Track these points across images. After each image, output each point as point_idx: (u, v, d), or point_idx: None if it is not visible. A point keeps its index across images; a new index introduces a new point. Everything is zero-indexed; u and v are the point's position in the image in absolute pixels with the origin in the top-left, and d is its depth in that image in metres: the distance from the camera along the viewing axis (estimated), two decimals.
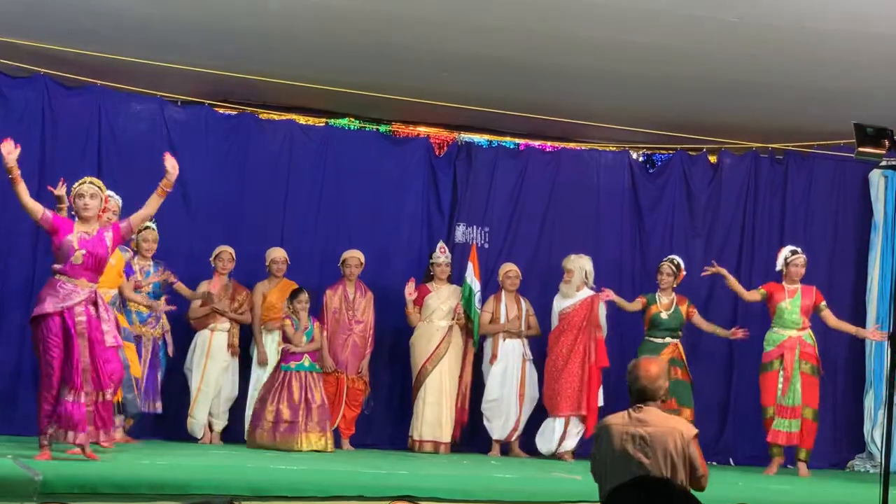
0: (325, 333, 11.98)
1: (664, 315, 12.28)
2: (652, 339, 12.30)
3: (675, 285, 12.43)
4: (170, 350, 11.41)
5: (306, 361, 11.63)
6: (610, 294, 12.39)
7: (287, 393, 11.37)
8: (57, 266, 8.62)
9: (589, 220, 13.66)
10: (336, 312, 12.20)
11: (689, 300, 12.50)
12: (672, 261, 12.49)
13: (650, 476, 3.42)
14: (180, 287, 11.68)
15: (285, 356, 11.64)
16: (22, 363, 11.09)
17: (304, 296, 11.77)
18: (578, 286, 12.57)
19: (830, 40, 10.89)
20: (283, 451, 10.94)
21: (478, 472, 9.72)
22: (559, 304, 12.71)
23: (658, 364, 6.27)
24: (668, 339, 12.25)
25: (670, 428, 6.05)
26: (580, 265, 12.60)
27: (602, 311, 12.64)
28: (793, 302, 11.89)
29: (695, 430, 6.15)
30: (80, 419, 8.47)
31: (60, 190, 9.21)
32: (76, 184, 8.99)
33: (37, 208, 8.75)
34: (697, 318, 12.51)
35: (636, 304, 12.47)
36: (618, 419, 6.12)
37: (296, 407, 11.33)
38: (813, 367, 11.82)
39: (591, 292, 12.62)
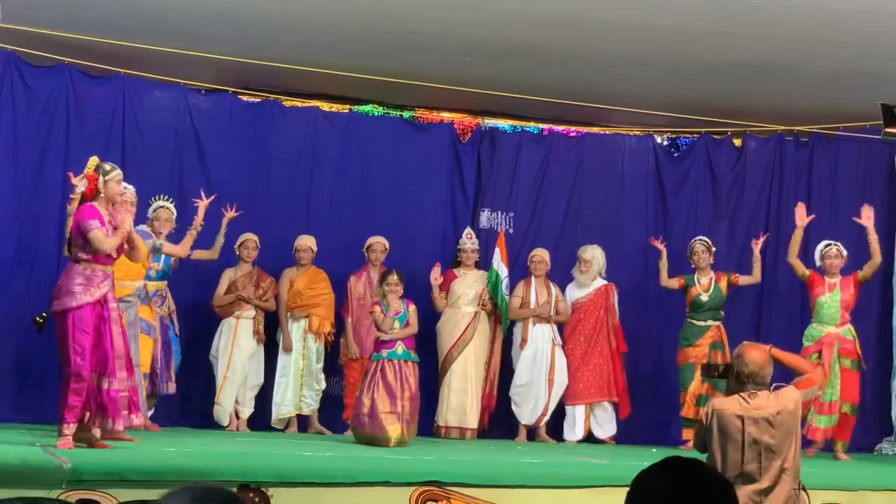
0: (382, 318, 10.99)
1: (704, 297, 12.25)
2: (693, 321, 12.28)
3: (710, 262, 12.38)
4: (176, 330, 11.31)
5: (399, 349, 10.85)
6: (657, 244, 12.58)
7: (383, 383, 10.65)
8: (84, 255, 8.58)
9: (613, 205, 13.65)
10: (360, 298, 12.20)
11: (726, 271, 12.47)
12: (703, 240, 12.47)
13: (679, 457, 3.39)
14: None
15: (376, 345, 11.01)
16: (48, 352, 11.10)
17: (394, 277, 11.10)
18: (594, 276, 12.61)
19: (854, 21, 10.83)
20: (381, 444, 10.42)
21: (504, 458, 9.72)
22: (573, 293, 12.77)
23: (760, 350, 6.42)
24: (710, 322, 12.23)
25: (786, 405, 6.30)
26: (597, 255, 12.65)
27: (615, 299, 12.70)
28: (832, 297, 11.78)
29: (795, 389, 6.41)
30: (119, 405, 8.51)
31: (80, 181, 9.04)
32: (108, 167, 8.84)
33: (109, 241, 8.62)
34: (744, 279, 12.48)
35: (673, 282, 12.45)
36: (733, 405, 6.29)
37: (393, 395, 10.63)
38: (853, 362, 11.73)
39: (604, 281, 12.76)
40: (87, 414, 8.48)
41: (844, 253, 11.94)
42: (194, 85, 12.63)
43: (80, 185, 8.76)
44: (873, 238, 11.89)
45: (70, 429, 8.38)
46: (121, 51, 11.85)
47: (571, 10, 10.97)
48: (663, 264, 12.58)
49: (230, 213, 11.53)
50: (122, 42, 11.72)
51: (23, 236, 11.64)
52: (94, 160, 8.75)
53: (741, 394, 6.29)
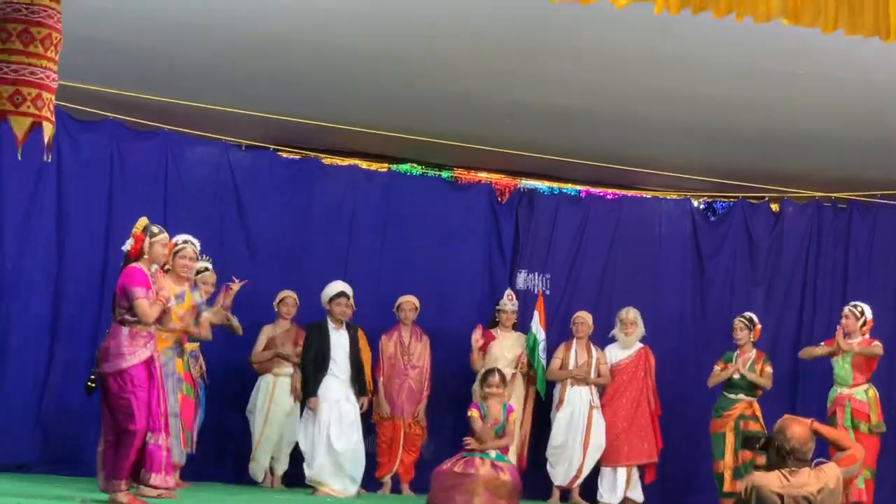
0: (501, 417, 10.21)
1: (735, 375, 12.19)
2: (727, 394, 12.22)
3: (752, 340, 12.33)
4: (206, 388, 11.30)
5: (493, 453, 9.97)
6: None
7: (465, 464, 9.90)
8: (130, 317, 8.65)
9: (650, 268, 13.66)
10: (391, 357, 12.22)
11: (765, 357, 12.36)
12: (743, 316, 12.40)
13: None
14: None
15: (467, 449, 10.10)
16: (89, 405, 11.14)
17: (496, 378, 10.30)
18: (638, 338, 12.75)
19: (894, 92, 10.86)
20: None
21: None
22: (615, 355, 12.76)
23: (802, 425, 6.31)
24: (740, 396, 12.16)
25: (827, 482, 6.18)
26: (639, 317, 12.67)
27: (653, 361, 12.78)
28: (844, 357, 11.75)
29: (837, 466, 6.31)
30: (163, 461, 8.56)
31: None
32: (156, 230, 8.99)
33: (153, 309, 8.75)
34: (762, 380, 12.31)
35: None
36: (773, 481, 6.16)
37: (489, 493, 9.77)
38: (867, 425, 11.64)
39: (641, 344, 12.78)
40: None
41: (861, 315, 11.85)
42: (235, 141, 12.72)
43: (126, 243, 8.85)
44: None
45: (127, 485, 8.43)
46: (164, 107, 11.97)
47: (611, 76, 11.04)
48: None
49: (234, 286, 10.75)
50: (165, 98, 11.85)
51: (64, 289, 11.70)
52: (143, 220, 8.84)
53: (782, 470, 6.20)
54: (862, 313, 11.85)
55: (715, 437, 12.15)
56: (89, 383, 8.95)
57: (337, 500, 10.82)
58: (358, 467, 11.29)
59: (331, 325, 11.46)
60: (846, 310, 11.89)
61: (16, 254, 11.49)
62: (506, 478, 9.69)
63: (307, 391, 11.32)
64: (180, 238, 10.10)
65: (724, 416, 12.12)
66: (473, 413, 10.10)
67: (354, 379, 11.48)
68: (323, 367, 11.32)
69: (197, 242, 10.30)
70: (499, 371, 10.46)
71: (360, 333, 11.85)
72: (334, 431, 11.17)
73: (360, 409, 11.47)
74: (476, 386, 11.22)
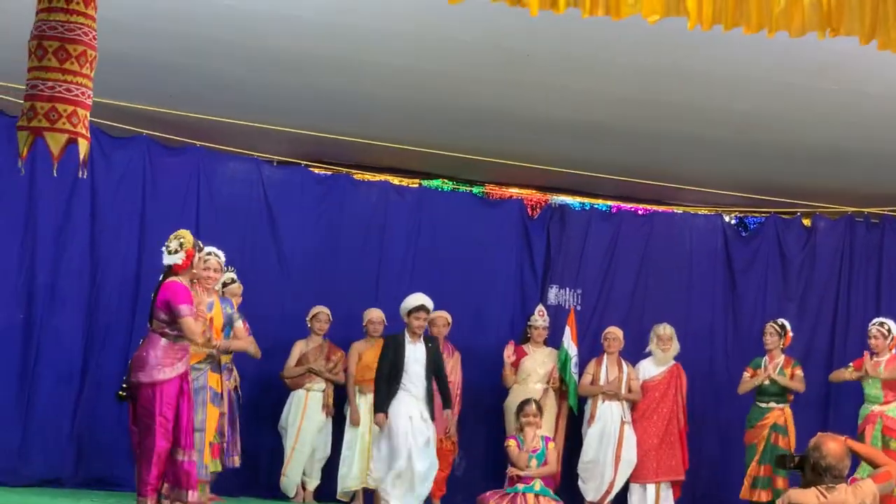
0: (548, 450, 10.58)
1: (766, 381, 12.18)
2: (758, 403, 12.20)
3: (781, 347, 12.31)
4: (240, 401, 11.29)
5: (537, 485, 10.14)
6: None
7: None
8: (171, 331, 8.71)
9: (681, 283, 13.64)
10: None
11: (795, 361, 12.38)
12: (776, 322, 12.40)
13: None
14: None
15: (511, 479, 10.39)
16: (122, 419, 11.18)
17: (532, 408, 10.60)
18: (674, 354, 12.75)
19: None
20: None
21: None
22: (649, 370, 12.75)
23: (837, 441, 6.28)
24: (771, 405, 12.14)
25: (864, 499, 6.17)
26: (674, 335, 12.67)
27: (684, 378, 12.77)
28: (872, 377, 11.74)
29: (874, 483, 6.29)
30: (194, 478, 8.60)
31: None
32: (201, 245, 9.15)
33: (198, 326, 8.91)
34: (793, 383, 12.32)
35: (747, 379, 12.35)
36: (810, 498, 6.14)
37: None
38: None
39: (674, 361, 12.76)
40: (164, 485, 8.56)
41: (889, 333, 11.81)
42: (267, 157, 12.77)
43: (175, 257, 8.90)
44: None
45: (152, 501, 8.46)
46: (196, 123, 12.03)
47: (643, 93, 11.07)
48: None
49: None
50: (197, 115, 11.91)
51: (97, 304, 11.77)
52: (189, 234, 8.97)
53: (818, 487, 6.18)
54: (889, 331, 11.82)
55: (749, 449, 12.13)
56: (120, 392, 8.97)
57: None
58: (427, 487, 10.91)
59: (407, 338, 11.09)
60: (873, 329, 11.87)
61: (49, 268, 11.53)
62: None
63: (378, 406, 10.91)
64: (205, 249, 10.08)
65: (757, 427, 12.10)
66: (510, 443, 10.26)
67: (431, 394, 10.99)
68: (395, 381, 10.91)
69: (221, 254, 10.34)
70: (535, 401, 10.57)
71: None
72: (413, 450, 10.72)
73: (446, 421, 11.27)
74: (510, 416, 11.18)
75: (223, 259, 10.37)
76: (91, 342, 11.68)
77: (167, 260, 8.93)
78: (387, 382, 10.89)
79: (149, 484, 8.47)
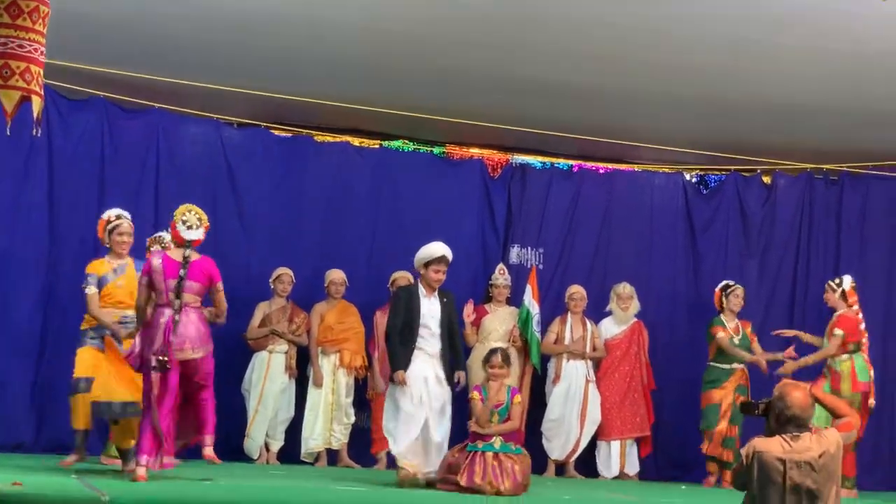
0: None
1: (735, 339, 12.25)
2: (720, 365, 12.25)
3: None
4: None
5: (497, 443, 9.61)
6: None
7: (468, 473, 9.40)
8: (201, 304, 9.12)
9: (642, 241, 13.68)
10: None
11: (751, 325, 12.51)
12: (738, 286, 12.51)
13: None
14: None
15: (472, 435, 9.82)
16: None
17: (497, 359, 9.99)
18: (634, 313, 12.85)
19: (885, 62, 10.87)
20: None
21: (535, 493, 9.70)
22: (610, 329, 12.82)
23: (802, 390, 6.31)
24: (734, 366, 12.22)
25: (828, 447, 6.19)
26: (634, 293, 12.71)
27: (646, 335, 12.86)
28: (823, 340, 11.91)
29: (837, 431, 6.34)
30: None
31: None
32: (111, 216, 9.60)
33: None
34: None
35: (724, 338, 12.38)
36: (774, 446, 6.17)
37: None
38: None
39: (635, 318, 12.84)
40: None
41: (838, 286, 11.94)
42: (227, 119, 12.71)
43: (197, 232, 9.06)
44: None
45: None
46: (155, 85, 11.95)
47: (602, 50, 11.05)
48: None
49: None
50: (156, 77, 11.83)
51: (57, 268, 11.69)
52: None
53: (783, 436, 6.20)
54: (839, 284, 11.92)
55: (711, 408, 12.19)
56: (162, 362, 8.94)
57: (338, 475, 10.81)
58: (442, 455, 9.86)
59: (422, 291, 10.14)
60: (826, 286, 11.96)
61: (7, 232, 11.49)
62: (507, 484, 9.41)
63: (395, 364, 9.91)
64: (113, 213, 10.00)
65: (722, 388, 12.17)
66: (474, 395, 9.88)
67: (447, 353, 10.05)
68: (411, 338, 9.93)
69: (128, 215, 10.18)
70: (502, 351, 10.30)
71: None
72: (430, 418, 9.82)
73: (457, 384, 10.11)
74: (480, 365, 10.69)
75: (130, 222, 10.20)
76: (50, 307, 11.62)
77: (189, 235, 8.96)
78: (400, 338, 9.95)
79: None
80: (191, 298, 8.86)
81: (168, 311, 8.79)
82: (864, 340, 11.81)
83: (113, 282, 9.74)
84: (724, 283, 12.59)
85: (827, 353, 11.71)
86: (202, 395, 9.00)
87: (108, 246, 9.93)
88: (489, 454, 9.45)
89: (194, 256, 8.91)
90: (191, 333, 8.79)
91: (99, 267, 9.80)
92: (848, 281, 11.97)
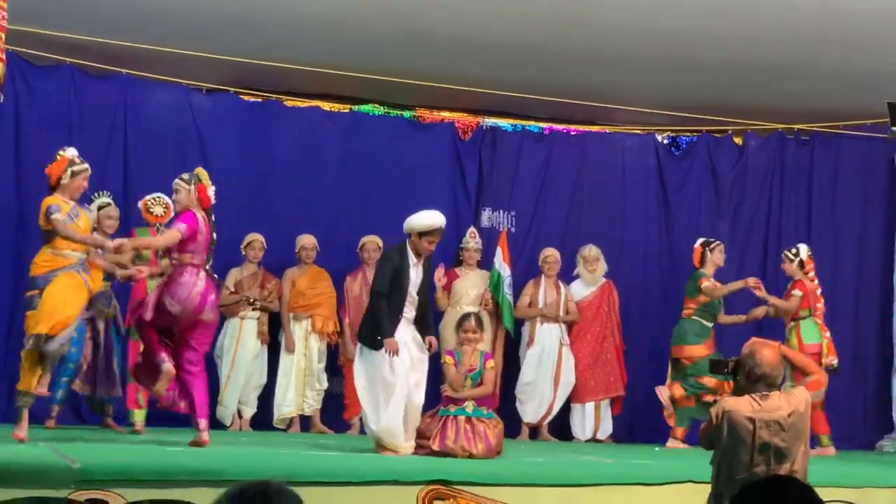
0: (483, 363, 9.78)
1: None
2: (702, 321, 12.18)
3: None
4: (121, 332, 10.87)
5: (469, 407, 9.53)
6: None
7: (440, 437, 9.35)
8: None
9: (615, 203, 13.69)
10: (357, 298, 12.15)
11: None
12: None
13: (777, 475, 3.47)
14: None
15: (444, 398, 9.71)
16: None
17: (471, 323, 9.84)
18: (601, 275, 12.88)
19: (857, 21, 10.87)
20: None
21: (509, 456, 9.71)
22: (579, 291, 12.86)
23: (772, 349, 6.30)
24: (711, 323, 12.23)
25: (797, 406, 6.19)
26: (600, 255, 12.72)
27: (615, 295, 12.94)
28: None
29: (806, 390, 6.35)
30: None
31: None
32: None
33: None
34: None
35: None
36: (743, 405, 6.16)
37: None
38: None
39: (604, 279, 12.86)
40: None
41: (795, 255, 11.98)
42: (196, 85, 12.65)
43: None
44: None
45: None
46: (122, 51, 11.86)
47: (571, 11, 11.02)
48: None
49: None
50: (123, 42, 11.74)
51: (26, 235, 11.61)
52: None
53: (753, 395, 6.20)
54: (796, 254, 11.94)
55: (697, 365, 12.07)
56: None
57: (301, 437, 10.80)
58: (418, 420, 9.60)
59: (411, 258, 9.60)
60: (783, 256, 11.99)
61: None
62: (480, 448, 9.36)
63: (383, 331, 9.34)
64: (76, 155, 9.48)
65: (704, 344, 12.11)
66: (447, 360, 9.75)
67: (421, 318, 9.69)
68: (399, 306, 9.48)
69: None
70: (475, 315, 10.18)
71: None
72: (411, 386, 9.44)
73: (429, 349, 9.63)
74: (453, 331, 10.50)
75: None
76: (20, 273, 11.52)
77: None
78: (388, 304, 9.44)
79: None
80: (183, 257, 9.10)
81: (201, 272, 9.05)
82: (820, 306, 11.87)
83: (73, 223, 9.22)
84: (704, 238, 12.47)
85: (787, 305, 11.79)
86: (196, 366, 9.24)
87: (61, 185, 9.24)
88: (461, 418, 9.41)
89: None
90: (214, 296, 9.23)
91: (59, 202, 9.20)
92: (804, 250, 12.01)
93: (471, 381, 9.68)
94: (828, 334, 11.71)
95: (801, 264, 11.92)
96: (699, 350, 12.13)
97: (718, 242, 12.44)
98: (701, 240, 12.48)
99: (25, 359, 8.90)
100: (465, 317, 10.07)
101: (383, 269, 9.64)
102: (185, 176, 9.34)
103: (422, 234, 9.56)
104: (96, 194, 10.78)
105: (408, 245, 9.62)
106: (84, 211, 9.50)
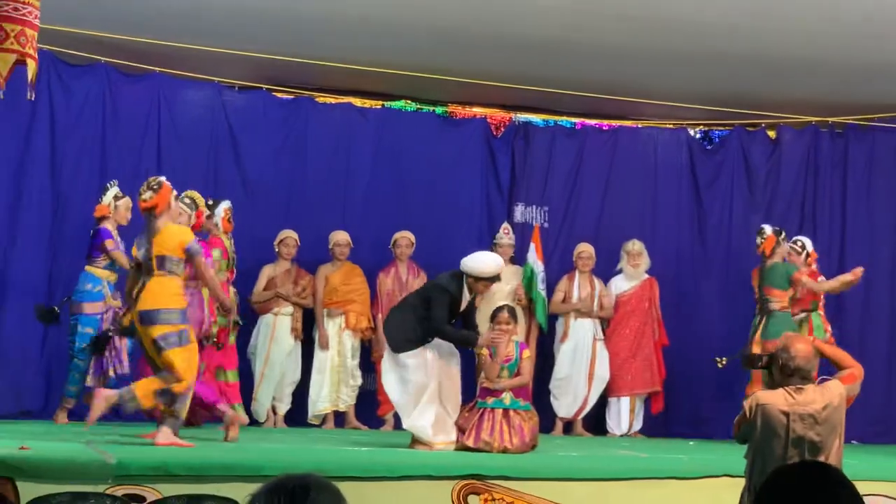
0: (523, 361, 9.82)
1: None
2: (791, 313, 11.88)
3: None
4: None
5: (507, 399, 9.55)
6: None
7: (475, 432, 9.39)
8: None
9: (647, 198, 13.65)
10: (390, 294, 12.18)
11: None
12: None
13: (809, 461, 3.45)
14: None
15: (481, 390, 9.73)
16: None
17: (504, 315, 9.79)
18: (645, 269, 12.85)
19: (888, 14, 10.81)
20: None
21: (544, 451, 9.72)
22: (620, 286, 12.82)
23: (805, 342, 6.30)
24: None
25: (831, 400, 6.17)
26: (644, 250, 12.69)
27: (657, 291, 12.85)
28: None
29: (841, 383, 6.32)
30: None
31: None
32: None
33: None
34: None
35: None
36: (777, 399, 6.14)
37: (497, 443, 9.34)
38: None
39: (647, 275, 12.81)
40: None
41: (801, 249, 12.00)
42: (228, 82, 12.68)
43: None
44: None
45: None
46: (156, 49, 11.92)
47: (603, 6, 11.01)
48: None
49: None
50: (157, 41, 11.80)
51: (61, 234, 11.70)
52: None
53: (787, 388, 6.17)
54: (803, 247, 11.92)
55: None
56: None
57: (335, 433, 10.82)
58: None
59: (465, 295, 9.77)
60: (790, 247, 11.96)
61: (11, 198, 11.50)
62: (515, 442, 9.38)
63: (471, 341, 9.75)
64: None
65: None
66: (483, 351, 9.77)
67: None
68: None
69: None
70: (508, 307, 10.18)
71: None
72: (445, 376, 9.61)
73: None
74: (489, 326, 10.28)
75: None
76: (55, 273, 11.62)
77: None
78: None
79: None
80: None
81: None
82: (822, 299, 11.92)
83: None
84: (774, 227, 12.00)
85: (833, 284, 11.83)
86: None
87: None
88: (498, 411, 9.45)
89: None
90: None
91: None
92: (809, 244, 12.08)
93: (507, 372, 9.68)
94: (829, 328, 11.76)
95: (808, 257, 11.92)
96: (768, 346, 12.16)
97: (797, 238, 12.27)
98: (772, 228, 12.13)
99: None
100: (499, 309, 10.04)
101: (443, 302, 9.59)
102: (186, 200, 9.78)
103: (480, 279, 9.67)
104: (109, 184, 10.78)
105: (464, 281, 9.68)
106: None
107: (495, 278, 9.82)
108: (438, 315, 9.54)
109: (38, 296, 11.46)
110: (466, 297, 9.74)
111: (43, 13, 6.75)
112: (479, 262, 9.78)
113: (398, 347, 9.58)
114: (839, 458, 6.25)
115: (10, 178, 11.50)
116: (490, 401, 9.54)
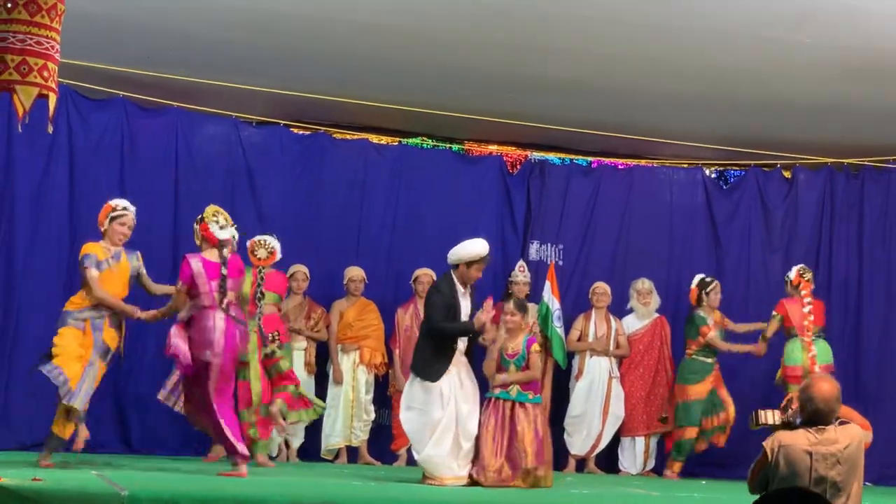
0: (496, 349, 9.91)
1: (714, 334, 12.41)
2: (702, 359, 12.42)
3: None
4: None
5: (513, 391, 9.62)
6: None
7: (493, 423, 9.50)
8: None
9: (663, 237, 13.67)
10: (408, 330, 12.21)
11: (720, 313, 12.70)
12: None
13: (803, 489, 3.43)
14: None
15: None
16: (118, 388, 11.17)
17: (510, 306, 9.96)
18: (655, 308, 12.91)
19: None
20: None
21: (555, 488, 9.71)
22: (631, 325, 12.86)
23: (829, 382, 6.24)
24: (713, 359, 12.36)
25: (852, 440, 6.13)
26: (653, 288, 12.71)
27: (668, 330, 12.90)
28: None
29: (857, 427, 6.29)
30: None
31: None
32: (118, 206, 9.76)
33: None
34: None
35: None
36: (799, 439, 6.08)
37: (498, 439, 9.47)
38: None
39: (657, 314, 12.89)
40: None
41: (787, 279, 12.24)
42: (246, 118, 12.74)
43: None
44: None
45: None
46: (174, 84, 12.00)
47: (621, 48, 11.08)
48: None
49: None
50: (175, 76, 11.88)
51: (74, 267, 11.69)
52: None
53: (808, 429, 6.14)
54: (787, 276, 12.25)
55: (696, 404, 12.23)
56: None
57: (348, 468, 10.81)
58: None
59: (459, 289, 9.83)
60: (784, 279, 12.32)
61: (29, 231, 11.52)
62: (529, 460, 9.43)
63: (466, 329, 9.72)
64: (120, 203, 10.00)
65: (705, 381, 12.26)
66: (491, 344, 9.92)
67: (470, 349, 9.90)
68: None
69: (133, 208, 10.12)
70: (516, 300, 10.26)
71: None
72: (464, 412, 9.58)
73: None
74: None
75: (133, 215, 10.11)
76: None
77: (223, 234, 9.27)
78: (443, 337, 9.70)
79: None
80: (232, 297, 8.98)
81: (217, 314, 9.07)
82: (807, 324, 11.95)
83: (108, 269, 9.69)
84: (700, 277, 12.60)
85: (762, 327, 12.36)
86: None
87: (103, 231, 9.86)
88: (507, 402, 9.57)
89: (228, 255, 9.09)
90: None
91: (97, 250, 9.72)
92: (794, 271, 12.23)
93: (514, 367, 9.72)
94: (809, 355, 11.77)
95: (793, 284, 12.13)
96: (690, 391, 12.39)
97: (716, 283, 12.49)
98: (697, 278, 12.55)
99: None
100: (506, 300, 10.30)
101: (436, 303, 9.76)
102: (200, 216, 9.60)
103: (470, 262, 9.77)
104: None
105: (453, 276, 9.78)
106: (129, 257, 9.86)
107: (484, 259, 9.86)
108: (433, 315, 9.72)
109: (54, 328, 11.46)
110: (462, 292, 9.79)
111: (63, 47, 6.82)
112: (464, 247, 9.88)
113: (421, 373, 9.67)
114: (859, 499, 6.21)
115: (28, 212, 11.52)
116: (497, 392, 9.64)
